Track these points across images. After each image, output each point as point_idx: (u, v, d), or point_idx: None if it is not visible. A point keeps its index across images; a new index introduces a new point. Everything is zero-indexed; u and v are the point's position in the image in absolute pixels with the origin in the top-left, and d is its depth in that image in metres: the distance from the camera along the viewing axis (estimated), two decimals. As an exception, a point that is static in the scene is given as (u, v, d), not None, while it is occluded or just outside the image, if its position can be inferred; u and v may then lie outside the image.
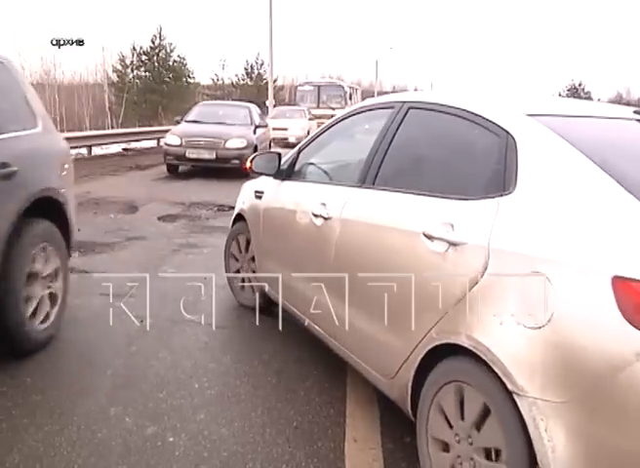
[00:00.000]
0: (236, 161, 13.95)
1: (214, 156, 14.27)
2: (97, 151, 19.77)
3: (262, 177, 4.75)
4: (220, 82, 46.45)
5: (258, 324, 4.58)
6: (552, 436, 2.04)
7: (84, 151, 18.94)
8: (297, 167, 4.40)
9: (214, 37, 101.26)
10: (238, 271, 5.25)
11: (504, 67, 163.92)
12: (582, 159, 2.37)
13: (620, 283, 1.94)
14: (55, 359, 4.08)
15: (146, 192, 11.68)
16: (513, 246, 2.34)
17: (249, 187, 5.11)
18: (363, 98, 32.14)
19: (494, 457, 2.28)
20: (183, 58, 43.22)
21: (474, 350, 2.34)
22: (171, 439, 3.15)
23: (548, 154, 2.52)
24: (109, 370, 3.92)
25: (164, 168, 15.00)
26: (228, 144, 14.33)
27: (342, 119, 4.19)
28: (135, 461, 2.95)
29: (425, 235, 2.72)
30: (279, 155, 4.53)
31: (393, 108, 3.52)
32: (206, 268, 5.89)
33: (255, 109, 17.31)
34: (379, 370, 3.12)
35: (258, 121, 16.42)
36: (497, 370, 2.23)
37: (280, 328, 4.35)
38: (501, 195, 2.50)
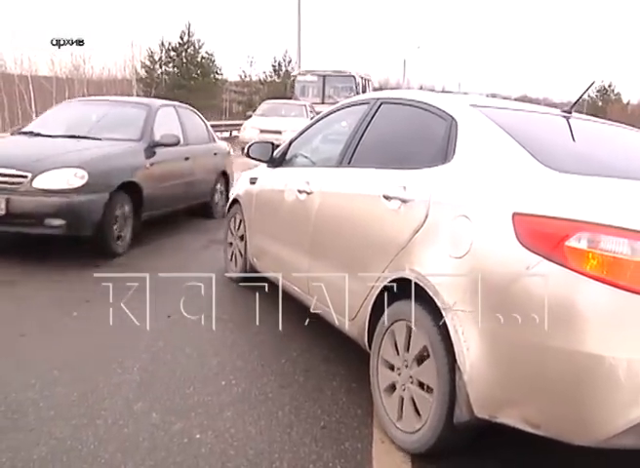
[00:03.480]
0: (56, 223, 5.98)
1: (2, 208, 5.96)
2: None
3: (257, 168, 5.62)
4: (248, 79, 46.49)
5: (281, 326, 4.56)
6: (467, 338, 2.71)
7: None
8: (287, 156, 5.17)
9: (242, 34, 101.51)
10: (231, 244, 6.07)
11: (534, 67, 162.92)
12: (502, 133, 3.15)
13: (517, 217, 2.65)
14: (82, 351, 4.11)
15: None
16: (446, 199, 3.09)
17: (245, 176, 5.95)
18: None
19: (424, 361, 3.00)
20: (211, 55, 43.49)
21: (414, 279, 3.02)
22: (198, 436, 3.14)
23: (479, 131, 3.29)
24: (136, 366, 3.91)
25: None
26: (39, 183, 6.05)
27: (327, 114, 5.03)
28: (161, 458, 2.93)
29: (384, 196, 3.47)
30: (273, 144, 5.35)
31: (369, 104, 4.31)
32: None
33: (175, 112, 8.77)
34: (344, 314, 3.76)
35: (168, 134, 7.72)
36: (430, 292, 2.91)
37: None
38: (443, 163, 3.27)
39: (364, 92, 24.33)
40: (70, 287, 5.45)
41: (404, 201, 3.31)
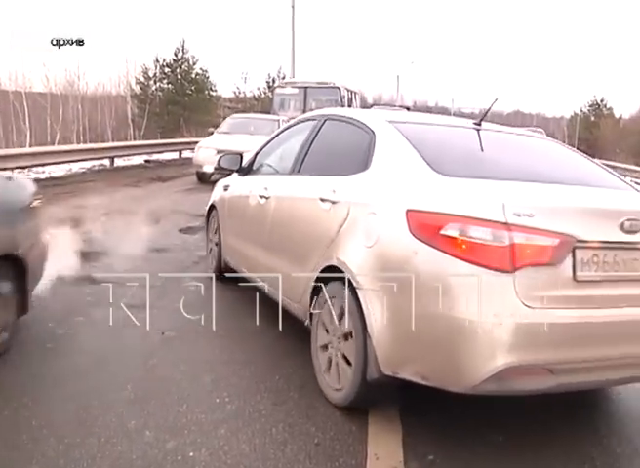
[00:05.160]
0: None
1: None
2: (119, 163, 19.94)
3: (231, 176, 6.27)
4: (242, 95, 46.54)
5: (277, 344, 4.56)
6: (374, 310, 3.38)
7: (107, 162, 19.12)
8: (254, 165, 5.89)
9: (237, 50, 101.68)
10: (209, 247, 6.78)
11: (527, 83, 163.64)
12: (407, 145, 3.80)
13: (409, 213, 3.32)
14: (74, 370, 4.09)
15: (168, 204, 11.72)
16: (362, 200, 3.80)
17: (220, 184, 6.67)
18: (364, 106, 29.22)
19: (349, 338, 3.64)
20: (206, 71, 43.41)
21: (339, 265, 3.71)
22: (191, 454, 3.13)
23: (390, 143, 3.96)
24: (129, 384, 3.90)
25: (186, 180, 15.25)
26: None
27: (287, 128, 5.75)
28: (155, 476, 2.92)
29: (320, 199, 4.15)
30: (241, 156, 6.04)
31: (316, 120, 5.04)
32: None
33: None
34: (294, 299, 4.40)
35: None
36: (349, 275, 3.59)
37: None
38: (362, 171, 3.94)
39: (350, 105, 22.34)
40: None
41: (333, 202, 4.02)
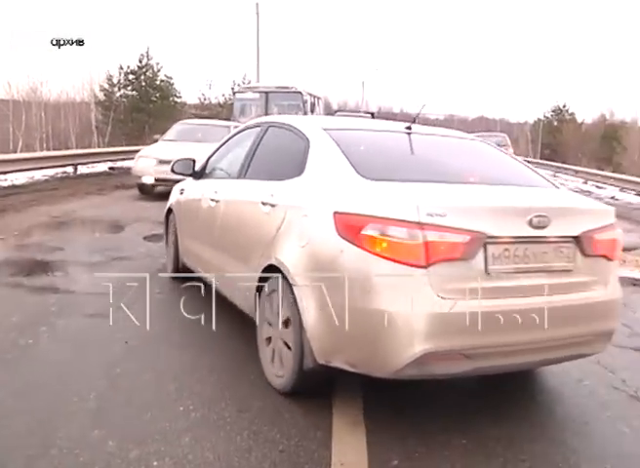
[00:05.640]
0: None
1: None
2: (83, 170, 19.73)
3: (187, 179, 6.46)
4: (207, 101, 46.36)
5: (240, 351, 4.55)
6: (307, 304, 3.64)
7: (70, 170, 18.93)
8: (207, 170, 6.12)
9: (202, 58, 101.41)
10: (167, 242, 7.07)
11: (492, 89, 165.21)
12: (338, 151, 4.03)
13: (336, 215, 3.58)
14: (36, 380, 4.03)
15: (132, 212, 11.64)
16: (296, 203, 4.05)
17: (177, 187, 6.87)
18: (327, 111, 28.59)
19: (287, 326, 3.92)
20: (170, 78, 43.27)
21: (277, 264, 3.95)
22: (155, 463, 3.11)
23: (322, 150, 4.18)
24: (92, 394, 3.86)
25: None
26: None
27: (236, 134, 5.96)
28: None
29: (261, 202, 4.40)
30: (194, 161, 6.23)
31: (260, 127, 5.32)
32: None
33: None
34: (242, 296, 4.62)
35: None
36: (286, 273, 3.85)
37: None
38: (298, 176, 4.18)
39: (312, 111, 21.69)
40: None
41: (272, 205, 4.26)
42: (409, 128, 4.60)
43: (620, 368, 4.73)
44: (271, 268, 4.05)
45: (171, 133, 16.66)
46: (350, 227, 3.48)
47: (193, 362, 4.51)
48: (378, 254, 3.35)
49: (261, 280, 4.20)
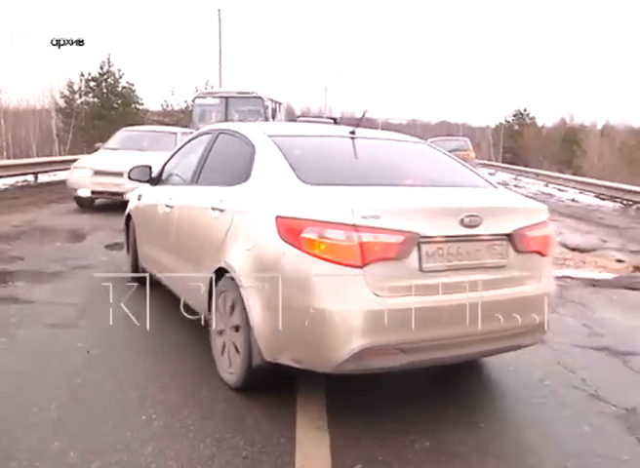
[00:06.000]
0: None
1: None
2: (43, 178, 19.47)
3: (144, 185, 6.47)
4: (170, 108, 46.09)
5: (203, 356, 4.54)
6: (254, 304, 3.78)
7: (30, 178, 18.68)
8: (163, 176, 6.20)
9: (164, 64, 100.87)
10: (128, 248, 7.14)
11: (454, 93, 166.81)
12: (281, 157, 4.18)
13: (278, 219, 3.71)
14: (-3, 393, 3.98)
15: (94, 220, 11.52)
16: (243, 208, 4.18)
17: (134, 193, 6.97)
18: (290, 117, 28.43)
19: (237, 326, 4.04)
20: (132, 85, 42.97)
21: (226, 267, 4.09)
22: (117, 473, 3.08)
23: (266, 156, 4.32)
24: (53, 405, 3.82)
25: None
26: None
27: (189, 141, 6.12)
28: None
29: (211, 208, 4.51)
30: (150, 168, 6.27)
31: (211, 134, 5.46)
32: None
33: None
34: (196, 298, 4.72)
35: None
36: (233, 275, 3.99)
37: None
38: (245, 181, 4.30)
39: (274, 116, 21.08)
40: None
41: (221, 210, 4.38)
42: (353, 132, 4.77)
43: (579, 367, 4.80)
44: (221, 271, 4.20)
45: (113, 140, 15.47)
46: (291, 230, 3.63)
47: (156, 369, 4.48)
48: (316, 256, 3.51)
49: (213, 282, 4.34)
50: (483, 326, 3.66)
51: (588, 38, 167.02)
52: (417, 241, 3.57)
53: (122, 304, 5.74)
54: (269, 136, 4.54)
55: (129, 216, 7.06)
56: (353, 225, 3.45)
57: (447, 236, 3.68)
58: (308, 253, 3.53)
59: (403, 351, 3.53)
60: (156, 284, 5.81)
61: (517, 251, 3.94)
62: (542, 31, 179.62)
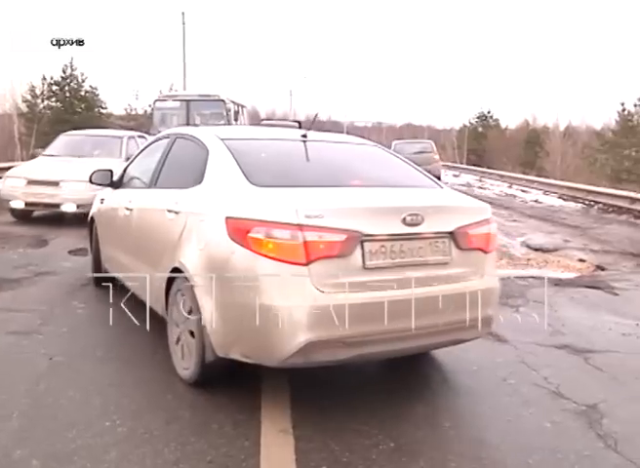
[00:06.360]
0: None
1: None
2: None
3: (107, 189, 6.55)
4: (134, 112, 45.78)
5: (167, 362, 4.52)
6: (206, 302, 3.92)
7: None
8: (124, 180, 6.29)
9: (128, 68, 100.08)
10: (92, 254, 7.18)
11: (419, 96, 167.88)
12: (232, 160, 4.31)
13: (228, 220, 3.84)
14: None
15: (58, 224, 11.36)
16: (196, 210, 4.29)
17: (97, 197, 7.02)
18: (254, 120, 28.22)
19: (191, 324, 4.17)
20: (95, 89, 42.69)
21: (181, 267, 4.22)
22: (79, 480, 3.06)
23: (218, 159, 4.45)
24: (15, 413, 3.77)
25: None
26: None
27: (149, 144, 6.27)
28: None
29: (167, 210, 4.63)
30: (111, 172, 6.36)
31: (169, 138, 5.59)
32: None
33: None
34: (152, 293, 4.79)
35: None
36: (187, 274, 4.14)
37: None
38: (198, 184, 4.43)
39: (236, 119, 20.53)
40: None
41: (176, 212, 4.50)
42: (304, 136, 4.87)
43: (542, 365, 4.86)
44: (176, 270, 4.33)
45: (53, 146, 14.05)
46: (239, 231, 3.78)
47: (120, 375, 4.46)
48: (263, 255, 3.66)
49: (169, 282, 4.46)
50: (426, 320, 3.85)
51: (551, 41, 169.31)
52: (360, 239, 3.73)
53: (85, 309, 5.73)
54: (222, 139, 4.67)
55: (92, 220, 7.10)
56: (298, 225, 3.61)
57: (389, 234, 3.84)
58: (256, 252, 3.68)
59: (347, 345, 3.67)
60: (121, 286, 5.77)
61: (459, 248, 4.12)
62: (505, 34, 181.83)
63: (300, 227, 3.61)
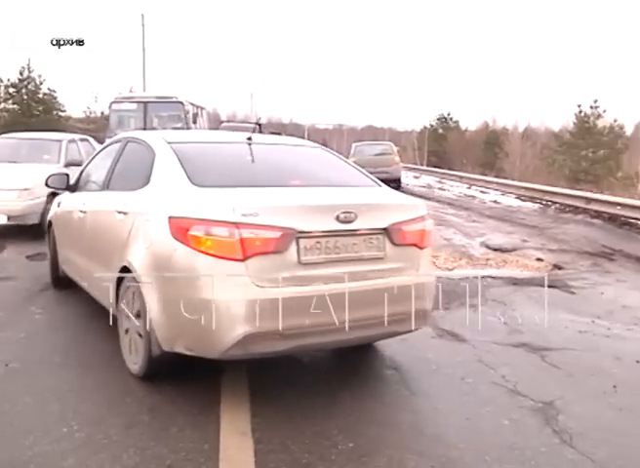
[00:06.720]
0: None
1: None
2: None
3: (65, 192, 6.65)
4: (94, 115, 45.29)
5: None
6: (151, 298, 4.08)
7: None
8: (80, 183, 6.39)
9: (88, 70, 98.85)
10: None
11: (380, 98, 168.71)
12: (176, 163, 4.47)
13: (170, 219, 4.01)
14: None
15: (15, 229, 11.17)
16: (142, 210, 4.45)
17: (55, 200, 7.13)
18: (215, 122, 27.71)
19: (138, 319, 4.29)
20: (54, 91, 42.14)
21: (128, 265, 4.37)
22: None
23: (164, 162, 4.59)
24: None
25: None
26: None
27: (103, 148, 6.41)
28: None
29: (117, 211, 4.79)
30: (67, 175, 6.60)
31: (121, 142, 5.75)
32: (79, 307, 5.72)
33: None
34: (104, 292, 4.86)
35: None
36: (134, 272, 4.28)
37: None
38: (145, 186, 4.58)
39: (195, 122, 19.82)
40: None
41: (125, 213, 4.66)
42: (249, 138, 5.05)
43: (500, 364, 4.93)
44: (125, 269, 4.47)
45: None
46: (180, 229, 3.95)
47: (79, 380, 4.42)
48: (203, 252, 3.84)
49: (119, 280, 4.60)
50: (361, 313, 4.03)
51: (510, 44, 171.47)
52: (295, 236, 3.91)
53: (43, 314, 5.67)
54: (169, 143, 4.83)
55: (50, 223, 7.16)
56: (234, 223, 3.80)
57: (324, 231, 4.03)
58: (196, 250, 3.86)
59: (284, 337, 3.84)
60: (80, 289, 5.74)
61: (394, 244, 4.31)
62: (465, 36, 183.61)
63: (237, 225, 3.79)
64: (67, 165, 11.29)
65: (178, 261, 3.98)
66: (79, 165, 9.46)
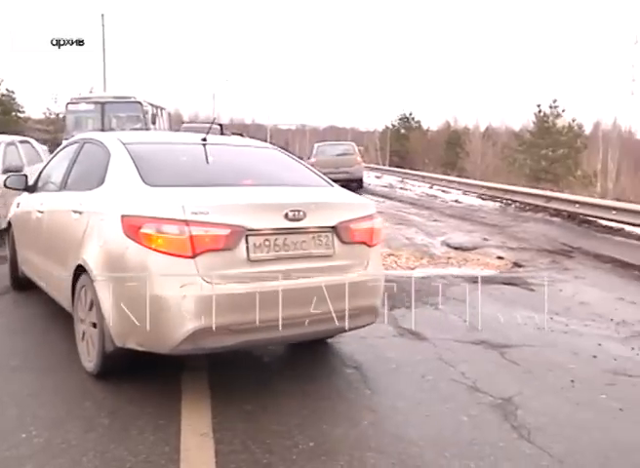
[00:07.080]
0: None
1: None
2: None
3: (24, 193, 6.62)
4: (53, 116, 44.74)
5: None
6: (104, 296, 4.13)
7: None
8: (39, 184, 6.38)
9: (48, 71, 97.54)
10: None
11: (342, 98, 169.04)
12: (130, 163, 4.53)
13: (122, 218, 4.08)
14: None
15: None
16: (97, 209, 4.52)
17: (15, 201, 7.09)
18: (177, 123, 27.29)
19: (93, 317, 4.35)
20: (12, 92, 41.58)
21: (83, 264, 4.40)
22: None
23: (118, 162, 4.65)
24: None
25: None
26: None
27: (61, 149, 6.46)
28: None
29: (73, 211, 4.82)
30: (26, 176, 6.69)
31: (79, 143, 5.78)
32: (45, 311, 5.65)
33: None
34: (61, 290, 5.03)
35: None
36: (89, 270, 4.32)
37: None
38: (100, 186, 4.64)
39: (154, 122, 19.35)
40: None
41: (80, 213, 4.71)
42: (204, 139, 5.09)
43: (459, 361, 4.99)
44: (80, 268, 4.51)
45: None
46: (132, 227, 4.03)
47: (38, 384, 4.38)
48: (154, 249, 3.93)
49: (75, 279, 4.63)
50: (310, 309, 4.13)
51: (470, 44, 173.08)
52: (244, 233, 4.01)
53: (0, 317, 5.60)
54: (124, 143, 4.88)
55: (9, 224, 7.18)
56: (184, 221, 3.88)
57: (273, 229, 4.14)
58: (147, 247, 3.94)
59: (233, 332, 3.95)
60: (39, 290, 5.69)
61: (342, 241, 4.42)
62: (426, 36, 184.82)
63: (187, 223, 3.88)
64: (5, 171, 9.65)
65: (130, 259, 4.04)
66: (19, 170, 9.28)
